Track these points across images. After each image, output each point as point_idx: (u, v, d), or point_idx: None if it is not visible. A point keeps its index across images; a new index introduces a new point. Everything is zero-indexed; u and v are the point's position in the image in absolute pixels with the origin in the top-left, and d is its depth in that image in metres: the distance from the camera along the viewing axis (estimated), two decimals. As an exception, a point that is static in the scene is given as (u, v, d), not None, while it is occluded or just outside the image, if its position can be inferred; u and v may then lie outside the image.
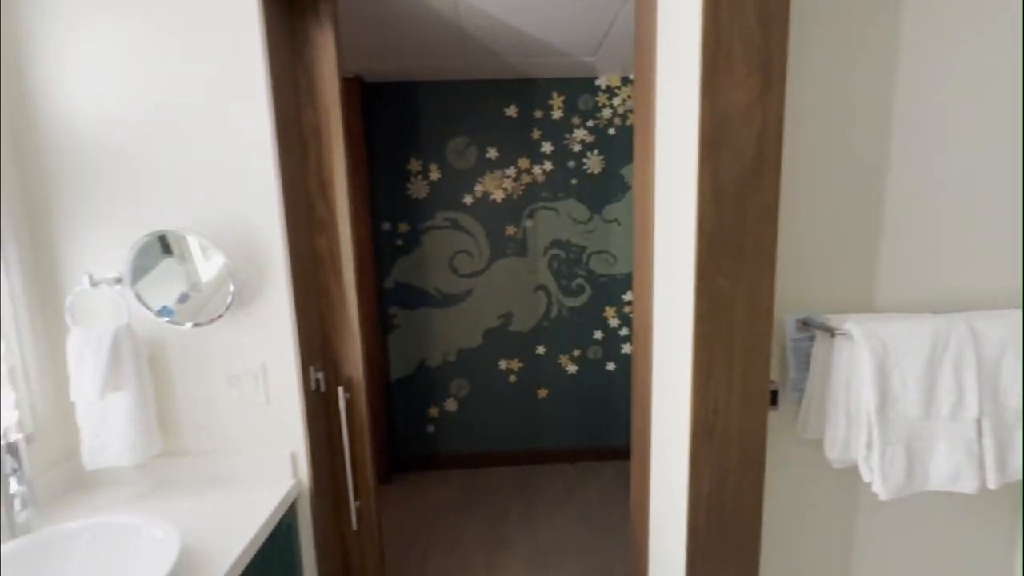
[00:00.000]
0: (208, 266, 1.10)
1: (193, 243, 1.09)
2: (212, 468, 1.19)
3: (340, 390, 1.29)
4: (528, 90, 2.54)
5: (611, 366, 2.79)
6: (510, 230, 2.65)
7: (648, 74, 1.11)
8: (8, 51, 1.06)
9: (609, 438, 2.85)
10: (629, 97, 2.56)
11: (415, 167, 2.57)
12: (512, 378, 2.77)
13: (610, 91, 2.56)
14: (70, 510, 1.08)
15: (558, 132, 2.58)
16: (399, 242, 2.63)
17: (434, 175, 2.58)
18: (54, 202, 1.11)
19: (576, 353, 2.77)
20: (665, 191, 1.04)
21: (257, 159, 1.10)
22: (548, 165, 2.60)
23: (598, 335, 2.76)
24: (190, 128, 1.09)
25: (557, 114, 2.56)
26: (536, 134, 2.57)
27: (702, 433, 0.90)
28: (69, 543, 0.89)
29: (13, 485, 0.89)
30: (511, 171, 2.60)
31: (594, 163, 2.61)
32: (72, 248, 1.12)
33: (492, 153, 2.58)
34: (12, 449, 0.91)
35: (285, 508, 1.14)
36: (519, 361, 2.76)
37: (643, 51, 1.15)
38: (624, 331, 2.76)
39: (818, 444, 0.98)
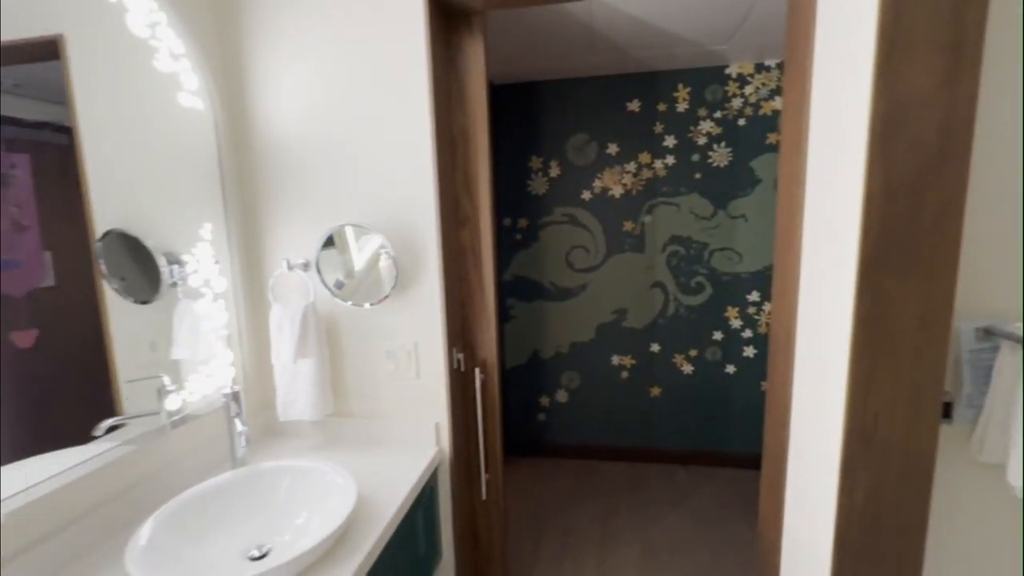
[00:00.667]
0: (378, 256, 1.27)
1: (368, 236, 1.27)
2: (370, 430, 1.38)
3: (476, 371, 1.41)
4: (652, 83, 2.50)
5: (731, 369, 2.66)
6: (628, 225, 2.64)
7: (802, 58, 1.06)
8: (236, 81, 1.31)
9: (725, 444, 2.72)
10: (763, 85, 2.41)
11: (536, 164, 2.67)
12: (624, 374, 2.76)
13: (741, 79, 2.43)
14: (267, 451, 1.32)
15: (682, 125, 2.51)
16: (518, 237, 2.75)
17: (554, 172, 2.66)
18: (261, 201, 1.35)
19: (693, 353, 2.68)
20: (819, 185, 0.99)
21: (418, 163, 1.25)
22: (670, 159, 2.54)
23: (718, 336, 2.64)
24: (366, 138, 1.27)
25: (682, 106, 2.49)
26: (659, 128, 2.53)
27: (858, 440, 0.85)
28: (276, 477, 1.10)
29: (238, 426, 1.12)
30: (631, 166, 2.58)
31: (720, 156, 2.50)
32: (273, 239, 1.36)
33: (612, 149, 2.58)
34: (236, 397, 1.15)
35: (430, 472, 1.28)
36: (632, 358, 2.74)
37: (797, 33, 1.10)
38: (747, 333, 2.61)
39: (997, 468, 0.88)
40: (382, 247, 1.26)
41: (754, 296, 2.58)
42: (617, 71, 2.49)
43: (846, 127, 0.86)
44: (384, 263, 1.27)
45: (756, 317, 2.59)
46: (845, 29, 0.87)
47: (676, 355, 2.70)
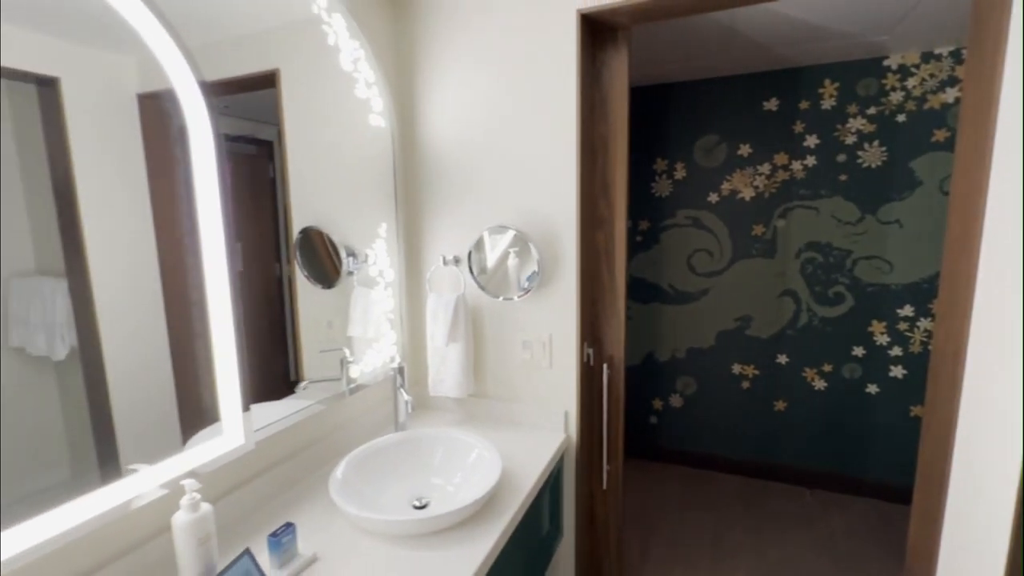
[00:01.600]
0: (522, 254, 1.40)
1: (514, 236, 1.41)
2: (504, 411, 1.52)
3: (604, 366, 1.49)
4: (793, 80, 2.36)
5: (872, 389, 2.42)
6: (757, 230, 2.52)
7: (992, 44, 0.97)
8: (409, 100, 1.52)
9: (860, 470, 2.49)
10: (931, 76, 2.16)
11: (661, 166, 2.66)
12: (745, 384, 2.65)
13: (903, 71, 2.20)
14: (418, 421, 1.53)
15: (827, 123, 2.33)
16: (639, 238, 2.76)
17: (679, 174, 2.63)
18: (422, 204, 1.55)
19: (827, 368, 2.49)
20: (1009, 187, 0.91)
21: (562, 171, 1.35)
22: (811, 160, 2.38)
23: (858, 352, 2.42)
24: (516, 148, 1.40)
25: (828, 103, 2.32)
26: (799, 127, 2.38)
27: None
28: (432, 443, 1.28)
29: (403, 395, 1.33)
30: (764, 168, 2.46)
31: (872, 156, 2.29)
32: (430, 237, 1.56)
33: (744, 150, 2.49)
34: (401, 371, 1.35)
35: (559, 455, 1.39)
36: (755, 368, 2.62)
37: (986, 14, 1.00)
38: (896, 351, 2.36)
39: None
40: (526, 246, 1.39)
41: (907, 311, 2.32)
42: (753, 69, 2.39)
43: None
44: (526, 261, 1.39)
45: (908, 334, 2.33)
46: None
47: (807, 369, 2.53)
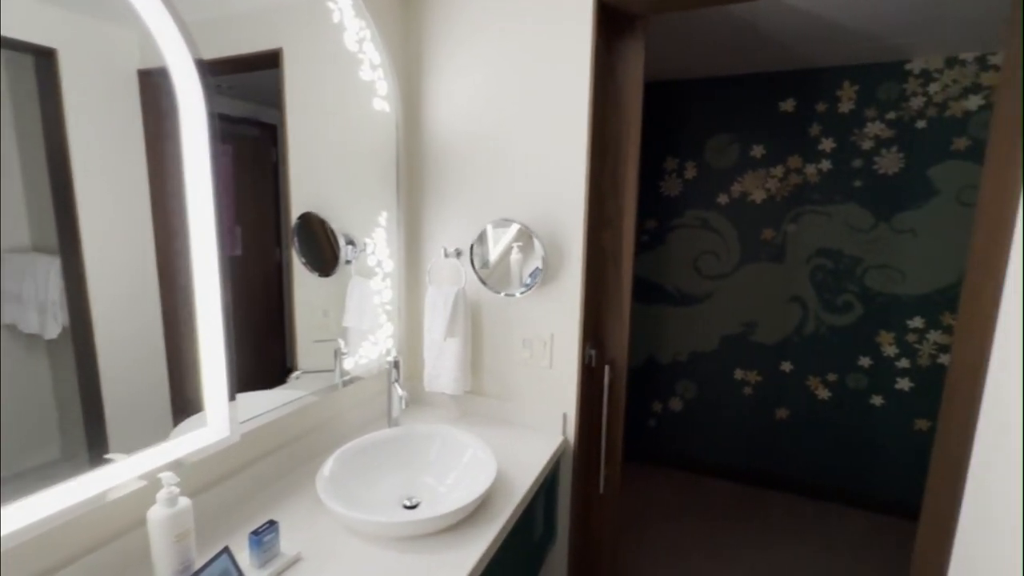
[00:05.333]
0: (526, 250, 1.36)
1: (518, 231, 1.36)
2: (501, 411, 1.48)
3: (607, 368, 1.44)
4: (812, 81, 2.30)
5: (878, 400, 2.37)
6: (767, 234, 2.47)
7: None
8: (415, 86, 1.47)
9: (863, 483, 2.45)
10: (954, 81, 2.09)
11: (671, 165, 2.60)
12: (747, 390, 2.60)
13: (926, 76, 2.13)
14: (412, 417, 1.49)
15: (844, 127, 2.27)
16: (645, 238, 2.70)
17: (689, 173, 2.57)
18: (425, 194, 1.50)
19: (831, 378, 2.44)
20: (1042, 206, 0.86)
21: (571, 166, 1.30)
22: (826, 164, 2.32)
23: (864, 362, 2.37)
24: (524, 139, 1.35)
25: (846, 106, 2.26)
26: (815, 129, 2.32)
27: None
28: (427, 440, 1.24)
29: (398, 390, 1.29)
30: (777, 170, 2.41)
31: (889, 162, 2.23)
32: (432, 228, 1.51)
33: (757, 151, 2.43)
34: (396, 364, 1.31)
35: (556, 459, 1.35)
36: (758, 374, 2.57)
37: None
38: (904, 363, 2.31)
39: None
40: (530, 242, 1.34)
41: (916, 322, 2.27)
42: (771, 68, 2.32)
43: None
44: (530, 257, 1.35)
45: (917, 346, 2.28)
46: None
47: (811, 377, 2.48)
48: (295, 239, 1.25)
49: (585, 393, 1.44)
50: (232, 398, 0.95)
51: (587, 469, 1.52)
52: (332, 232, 1.34)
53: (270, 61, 1.21)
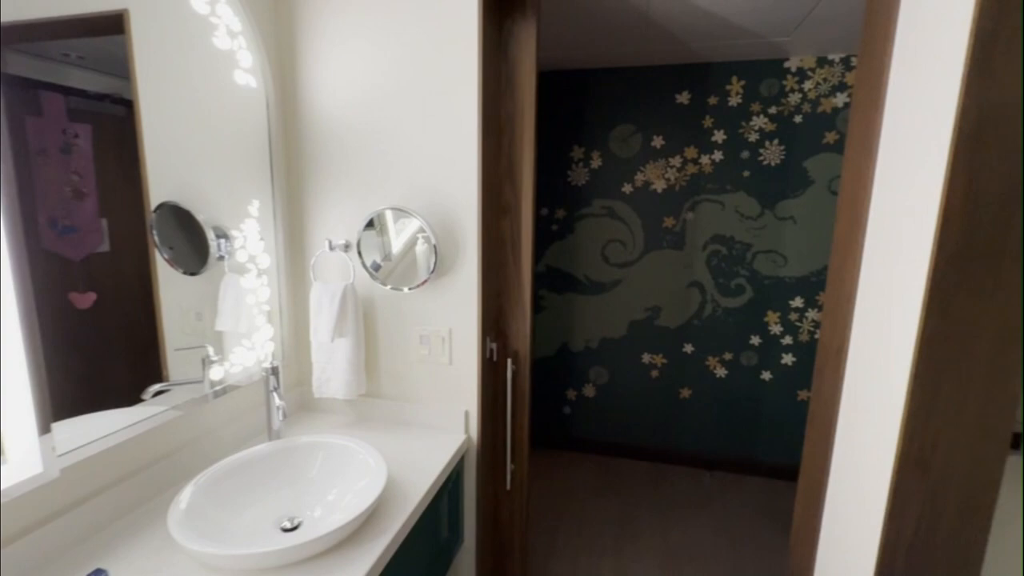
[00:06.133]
0: (417, 241, 1.27)
1: (409, 221, 1.27)
2: (400, 412, 1.39)
3: (508, 361, 1.40)
4: (704, 75, 2.40)
5: (766, 375, 2.57)
6: (668, 222, 2.56)
7: (879, 52, 0.99)
8: (288, 60, 1.32)
9: (755, 452, 2.65)
10: (824, 80, 2.28)
11: (578, 154, 2.62)
12: (654, 373, 2.71)
13: (801, 74, 2.30)
14: (300, 426, 1.36)
15: (733, 120, 2.41)
16: (554, 227, 2.71)
17: (595, 163, 2.60)
18: (306, 181, 1.36)
19: (727, 357, 2.61)
20: (889, 190, 0.93)
21: (463, 150, 1.23)
22: (718, 155, 2.45)
23: (755, 340, 2.56)
24: (412, 122, 1.26)
25: (734, 100, 2.39)
26: (708, 122, 2.43)
27: (912, 466, 0.80)
28: (310, 452, 1.12)
29: (276, 400, 1.15)
30: (676, 160, 2.50)
31: (772, 154, 2.39)
32: (316, 219, 1.37)
33: (658, 142, 2.51)
34: (275, 371, 1.17)
35: (458, 458, 1.29)
36: (663, 357, 2.69)
37: (875, 24, 1.02)
38: (787, 340, 2.52)
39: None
40: (422, 232, 1.26)
41: (797, 302, 2.47)
42: (667, 61, 2.40)
43: (927, 130, 0.79)
44: (423, 248, 1.26)
45: (798, 324, 2.49)
46: (934, 21, 0.80)
47: (710, 357, 2.63)
48: (154, 233, 1.07)
49: (487, 388, 1.39)
50: (46, 429, 0.78)
51: (492, 466, 1.48)
52: (198, 224, 1.17)
53: (114, 25, 1.03)
